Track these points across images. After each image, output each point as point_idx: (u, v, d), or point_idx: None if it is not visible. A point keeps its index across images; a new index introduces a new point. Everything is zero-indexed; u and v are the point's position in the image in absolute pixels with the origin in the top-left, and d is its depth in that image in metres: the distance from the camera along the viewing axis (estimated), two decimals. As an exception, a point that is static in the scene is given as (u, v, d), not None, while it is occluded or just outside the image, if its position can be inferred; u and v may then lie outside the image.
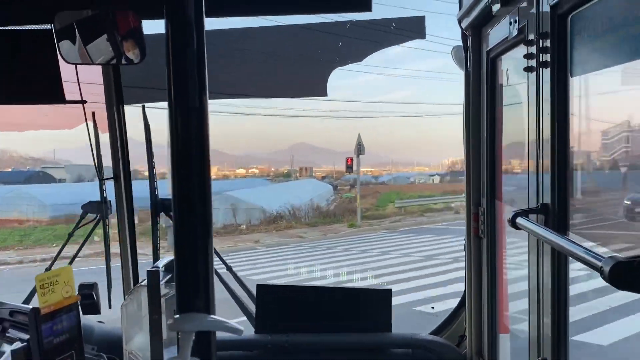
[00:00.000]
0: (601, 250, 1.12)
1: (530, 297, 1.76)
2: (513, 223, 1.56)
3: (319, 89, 2.77)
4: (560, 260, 1.53)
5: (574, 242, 1.26)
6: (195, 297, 0.81)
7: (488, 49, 2.26)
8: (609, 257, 0.98)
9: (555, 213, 1.53)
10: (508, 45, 2.01)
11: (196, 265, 0.82)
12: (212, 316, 0.82)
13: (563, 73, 1.49)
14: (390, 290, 2.67)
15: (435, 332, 2.74)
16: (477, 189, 2.41)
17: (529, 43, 1.67)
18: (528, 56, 1.68)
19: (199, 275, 0.82)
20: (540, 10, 1.58)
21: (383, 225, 25.65)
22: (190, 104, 0.83)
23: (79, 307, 1.93)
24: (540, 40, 1.58)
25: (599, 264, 0.99)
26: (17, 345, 1.84)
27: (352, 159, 27.57)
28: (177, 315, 0.81)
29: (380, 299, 2.64)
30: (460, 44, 2.53)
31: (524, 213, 1.58)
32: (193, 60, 0.84)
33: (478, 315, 2.45)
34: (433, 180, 50.71)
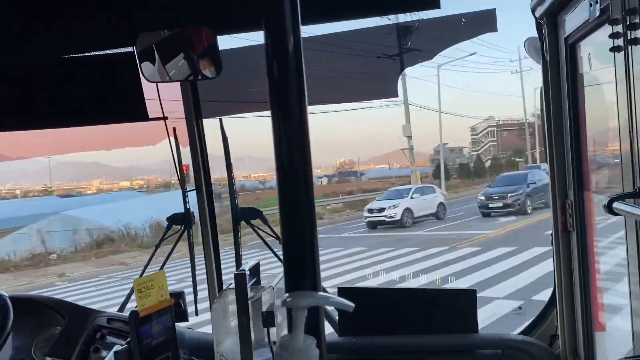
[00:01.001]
0: None
1: (632, 289, 1.67)
2: (609, 209, 1.49)
3: (390, 90, 2.78)
4: None
5: None
6: (303, 276, 0.84)
7: (566, 35, 2.18)
8: None
9: None
10: (588, 29, 1.94)
11: (302, 245, 0.84)
12: (321, 293, 0.85)
13: None
14: (475, 291, 2.61)
15: (524, 332, 2.65)
16: (562, 180, 2.32)
17: (614, 22, 1.60)
18: (614, 35, 1.61)
19: (306, 255, 0.84)
20: None
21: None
22: (291, 113, 0.87)
23: (172, 311, 2.02)
24: (628, 17, 1.51)
25: None
26: (119, 347, 1.94)
27: (186, 167, 25.56)
28: (287, 294, 0.83)
29: (465, 299, 2.58)
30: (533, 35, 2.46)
31: (621, 198, 1.51)
32: (292, 70, 0.88)
33: (570, 313, 2.35)
34: (321, 182, 48.86)
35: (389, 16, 2.43)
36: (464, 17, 2.61)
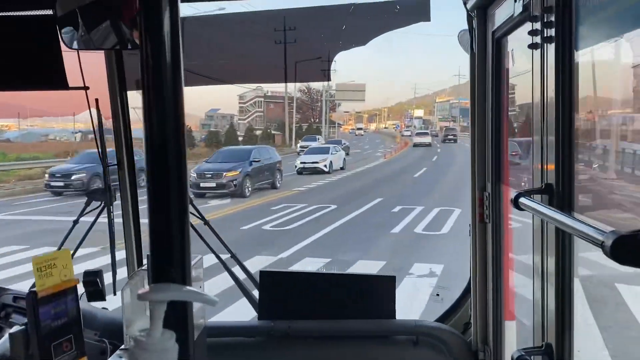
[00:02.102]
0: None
1: (534, 281, 1.72)
2: (516, 203, 1.52)
3: (324, 73, 2.74)
4: (564, 241, 1.49)
5: (576, 219, 1.22)
6: (170, 267, 0.79)
7: (493, 29, 2.20)
8: (610, 231, 0.94)
9: (560, 193, 1.48)
10: (513, 24, 1.96)
11: (171, 235, 0.79)
12: (187, 287, 0.80)
13: (568, 47, 1.44)
14: (394, 277, 2.64)
15: (440, 320, 2.71)
16: (482, 173, 2.36)
17: (533, 19, 1.62)
18: (532, 32, 1.63)
19: (174, 246, 0.79)
20: None
21: None
22: (164, 92, 0.81)
23: (77, 291, 1.93)
24: (545, 15, 1.53)
25: (600, 238, 0.95)
26: (16, 328, 1.83)
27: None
28: (148, 286, 0.78)
29: (384, 285, 2.61)
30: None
31: (527, 193, 1.54)
32: (166, 47, 0.81)
33: (483, 302, 2.41)
34: (76, 137, 44.41)
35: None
36: (398, 4, 2.60)
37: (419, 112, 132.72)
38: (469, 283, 2.58)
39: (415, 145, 55.96)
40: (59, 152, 33.15)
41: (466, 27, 2.50)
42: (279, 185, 23.90)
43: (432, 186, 23.36)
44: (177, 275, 0.79)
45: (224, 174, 21.00)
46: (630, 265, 0.93)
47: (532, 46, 1.64)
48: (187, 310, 0.83)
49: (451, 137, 65.79)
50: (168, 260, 0.80)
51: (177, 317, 0.81)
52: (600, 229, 1.00)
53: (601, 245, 0.94)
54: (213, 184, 20.98)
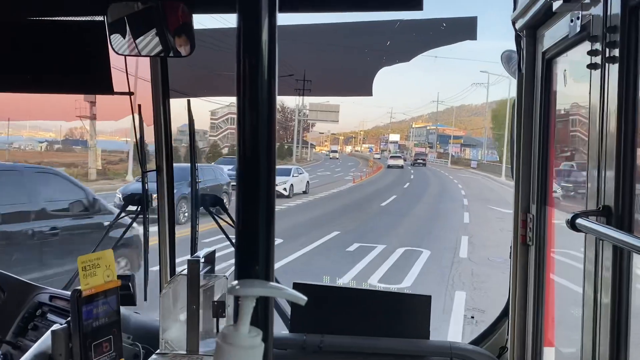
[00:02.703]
0: None
1: (585, 308, 1.67)
2: (572, 225, 1.48)
3: (365, 88, 2.74)
4: (622, 264, 1.45)
5: (636, 237, 1.18)
6: (255, 264, 0.78)
7: (544, 50, 2.18)
8: None
9: (619, 215, 1.44)
10: (566, 44, 1.94)
11: (256, 232, 0.79)
12: (273, 283, 0.79)
13: (634, 67, 1.42)
14: (430, 297, 2.60)
15: (475, 342, 2.65)
16: (526, 194, 2.32)
17: (593, 39, 1.60)
18: (592, 53, 1.60)
19: (259, 242, 0.79)
20: (609, 3, 1.51)
21: None
22: (259, 102, 0.82)
23: (119, 292, 1.93)
24: (608, 35, 1.50)
25: None
26: (57, 326, 1.84)
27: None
28: (236, 281, 0.77)
29: (419, 304, 2.57)
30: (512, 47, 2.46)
31: (584, 214, 1.50)
32: (263, 57, 0.82)
33: (522, 327, 2.35)
34: (41, 147, 44.77)
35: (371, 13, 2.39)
36: (445, 22, 2.60)
37: (395, 137, 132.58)
38: (506, 305, 2.53)
39: (389, 166, 62.04)
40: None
41: (513, 47, 2.49)
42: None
43: (399, 218, 20.41)
44: (262, 272, 0.79)
45: (153, 195, 17.71)
46: None
47: (592, 66, 1.61)
48: (269, 309, 0.83)
49: (420, 160, 72.51)
50: (254, 257, 0.80)
51: (260, 315, 0.80)
52: None
53: None
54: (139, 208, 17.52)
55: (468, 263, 12.73)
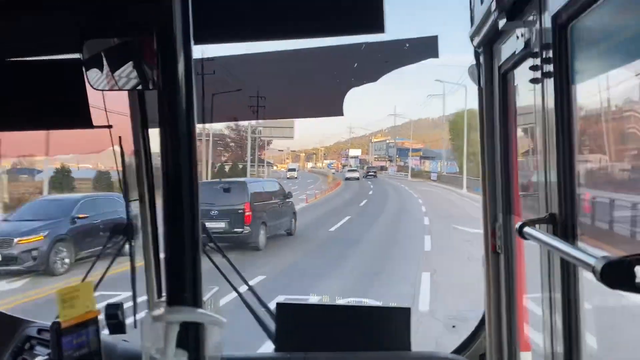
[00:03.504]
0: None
1: (543, 311, 1.74)
2: (520, 233, 1.55)
3: (336, 109, 2.83)
4: (569, 269, 1.52)
5: (573, 246, 1.25)
6: (183, 291, 0.85)
7: (499, 64, 2.27)
8: (601, 257, 0.98)
9: (562, 222, 1.51)
10: (517, 59, 2.03)
11: (184, 259, 0.85)
12: (199, 309, 0.86)
13: (566, 81, 1.50)
14: (409, 309, 2.66)
15: (456, 351, 2.70)
16: (493, 204, 2.39)
17: (534, 55, 1.69)
18: (533, 68, 1.69)
19: (187, 270, 0.85)
20: (542, 22, 1.60)
21: None
22: (179, 128, 0.88)
23: (99, 322, 1.99)
24: (543, 51, 1.59)
25: (592, 263, 0.99)
26: (39, 359, 1.90)
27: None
28: (162, 308, 0.84)
29: (399, 316, 2.62)
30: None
31: (532, 223, 1.58)
32: (181, 88, 0.89)
33: (498, 333, 2.41)
34: None
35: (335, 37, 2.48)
36: (408, 42, 2.69)
37: (356, 152, 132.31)
38: (484, 314, 2.59)
39: (347, 179, 67.23)
40: None
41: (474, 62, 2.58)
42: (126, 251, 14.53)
43: (347, 249, 16.64)
44: (189, 299, 0.85)
45: (15, 240, 12.95)
46: (618, 289, 0.96)
47: (534, 81, 1.70)
48: (200, 332, 0.89)
49: (371, 173, 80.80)
50: (182, 284, 0.86)
51: (191, 339, 0.87)
52: (594, 255, 1.03)
53: (592, 270, 0.98)
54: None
55: (430, 323, 9.05)
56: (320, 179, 73.90)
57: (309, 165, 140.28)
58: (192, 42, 0.90)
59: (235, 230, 16.58)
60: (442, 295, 10.92)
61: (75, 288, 1.90)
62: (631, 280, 0.93)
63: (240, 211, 16.67)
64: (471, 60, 2.70)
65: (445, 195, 42.65)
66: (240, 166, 66.52)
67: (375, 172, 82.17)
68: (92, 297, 1.96)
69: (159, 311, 0.82)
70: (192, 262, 0.86)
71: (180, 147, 0.87)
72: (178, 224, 0.86)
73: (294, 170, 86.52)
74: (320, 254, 16.47)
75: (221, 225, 16.25)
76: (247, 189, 17.58)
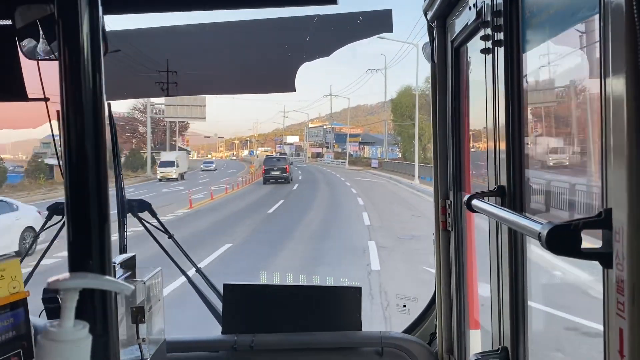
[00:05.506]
0: None
1: (491, 286, 1.71)
2: (469, 206, 1.51)
3: (288, 85, 2.73)
4: (517, 242, 1.49)
5: (520, 215, 1.22)
6: (88, 259, 0.76)
7: (452, 38, 2.23)
8: (546, 222, 0.94)
9: (511, 195, 1.48)
10: (469, 31, 1.99)
11: (90, 225, 0.77)
12: (102, 276, 0.77)
13: (516, 49, 1.46)
14: (360, 288, 2.62)
15: (407, 331, 2.68)
16: (444, 181, 2.37)
17: (485, 24, 1.64)
18: (485, 37, 1.65)
19: (93, 237, 0.77)
20: None
21: None
22: (84, 104, 0.79)
23: (27, 303, 1.86)
24: (495, 19, 1.55)
25: (537, 230, 0.95)
26: (-39, 343, 1.75)
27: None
28: (59, 276, 0.75)
29: (349, 296, 2.58)
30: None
31: (480, 195, 1.54)
32: (86, 62, 0.79)
33: (448, 312, 2.40)
34: None
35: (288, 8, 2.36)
36: (361, 15, 2.61)
37: (293, 138, 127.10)
38: (434, 293, 2.57)
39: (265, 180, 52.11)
40: None
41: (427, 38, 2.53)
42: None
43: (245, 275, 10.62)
44: (96, 267, 0.77)
45: None
46: (564, 255, 0.92)
47: (485, 51, 1.65)
48: (107, 301, 0.81)
49: (275, 173, 66.34)
50: (87, 251, 0.78)
51: (95, 308, 0.78)
52: (539, 222, 0.99)
53: (538, 236, 0.94)
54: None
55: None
56: (246, 167, 67.47)
57: (244, 153, 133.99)
58: (100, 9, 0.80)
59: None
60: None
61: (1, 267, 1.76)
62: (577, 245, 0.89)
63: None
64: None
65: (392, 188, 32.85)
66: (141, 154, 55.42)
67: (285, 167, 44.20)
68: (19, 276, 1.81)
69: (54, 277, 0.73)
70: (100, 230, 0.78)
71: (84, 113, 0.78)
72: (83, 192, 0.77)
73: (211, 162, 72.60)
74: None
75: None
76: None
